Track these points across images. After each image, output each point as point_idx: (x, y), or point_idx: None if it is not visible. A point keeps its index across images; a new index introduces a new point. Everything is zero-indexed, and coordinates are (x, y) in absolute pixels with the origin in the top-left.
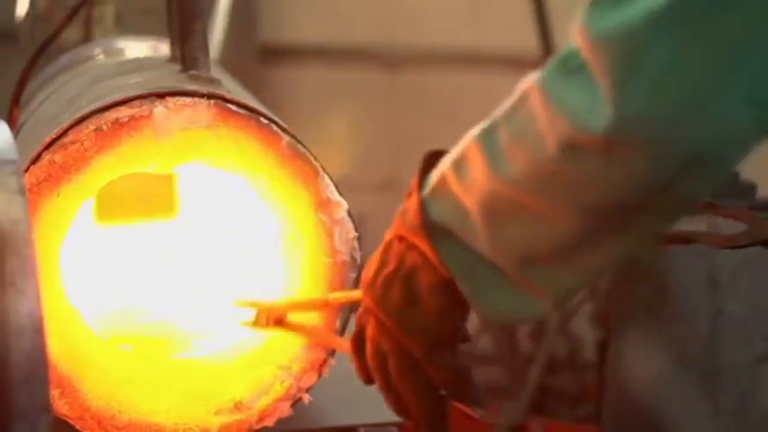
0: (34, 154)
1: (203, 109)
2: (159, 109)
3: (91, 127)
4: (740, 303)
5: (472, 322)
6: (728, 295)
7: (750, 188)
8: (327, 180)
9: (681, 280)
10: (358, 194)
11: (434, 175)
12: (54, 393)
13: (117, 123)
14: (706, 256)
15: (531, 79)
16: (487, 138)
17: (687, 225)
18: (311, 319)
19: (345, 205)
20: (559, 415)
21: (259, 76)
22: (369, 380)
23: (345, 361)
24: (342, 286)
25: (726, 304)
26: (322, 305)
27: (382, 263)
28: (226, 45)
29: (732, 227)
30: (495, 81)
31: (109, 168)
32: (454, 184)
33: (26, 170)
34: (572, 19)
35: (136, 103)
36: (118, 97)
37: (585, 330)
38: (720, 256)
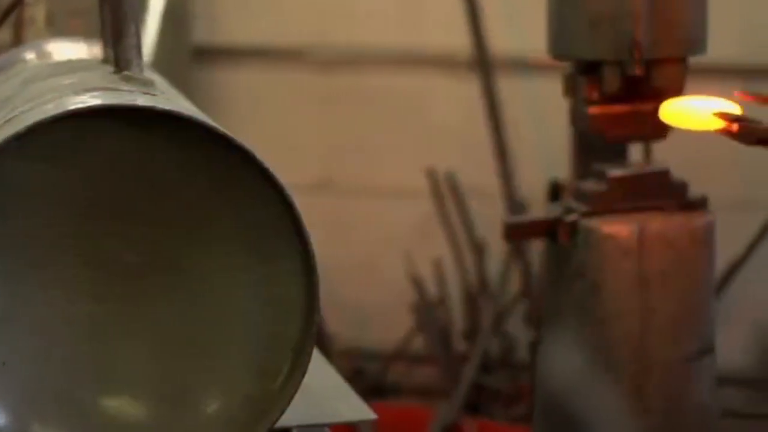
0: None
1: None
2: None
3: None
4: (671, 302)
5: (405, 324)
6: (659, 295)
7: (681, 186)
8: None
9: (613, 279)
10: (292, 195)
11: None
12: None
13: None
14: (637, 255)
15: None
16: None
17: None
18: None
19: None
20: (494, 415)
21: (192, 78)
22: None
23: None
24: None
25: (657, 304)
26: None
27: None
28: (160, 46)
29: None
30: (428, 82)
31: None
32: None
33: None
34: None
35: None
36: (49, 96)
37: (519, 329)
38: (651, 256)
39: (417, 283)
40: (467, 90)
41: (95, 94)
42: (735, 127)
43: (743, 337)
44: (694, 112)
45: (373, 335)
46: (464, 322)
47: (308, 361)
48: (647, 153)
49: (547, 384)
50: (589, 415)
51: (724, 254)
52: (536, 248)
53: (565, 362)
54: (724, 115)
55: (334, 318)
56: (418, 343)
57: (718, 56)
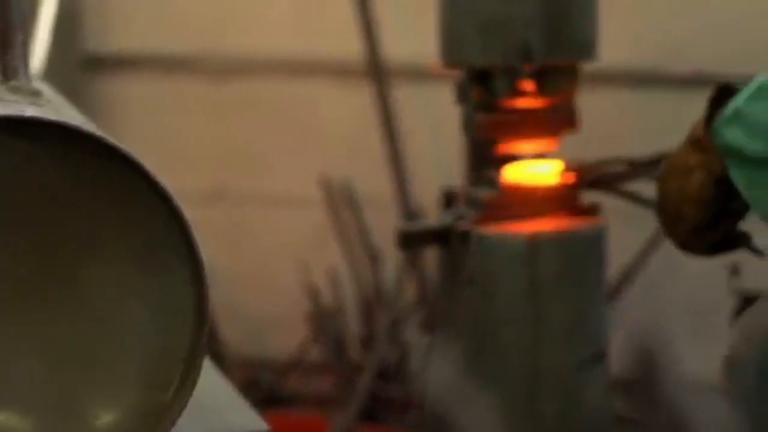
0: None
1: None
2: None
3: None
4: (563, 308)
5: (300, 333)
6: (551, 301)
7: (573, 194)
8: None
9: (504, 286)
10: (185, 205)
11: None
12: None
13: None
14: (529, 262)
15: None
16: None
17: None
18: None
19: None
20: (389, 423)
21: (83, 87)
22: None
23: None
24: None
25: (549, 310)
26: None
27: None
28: (51, 55)
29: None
30: (321, 90)
31: None
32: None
33: None
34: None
35: None
36: None
37: (415, 337)
38: (543, 262)
39: (312, 292)
40: (360, 98)
41: None
42: (570, 177)
43: (622, 343)
44: (535, 172)
45: (269, 345)
46: (360, 330)
47: (199, 372)
48: (539, 159)
49: (434, 391)
50: (473, 422)
51: (615, 263)
52: (432, 255)
53: (451, 370)
54: (562, 168)
55: (228, 328)
56: (314, 353)
57: (608, 62)
